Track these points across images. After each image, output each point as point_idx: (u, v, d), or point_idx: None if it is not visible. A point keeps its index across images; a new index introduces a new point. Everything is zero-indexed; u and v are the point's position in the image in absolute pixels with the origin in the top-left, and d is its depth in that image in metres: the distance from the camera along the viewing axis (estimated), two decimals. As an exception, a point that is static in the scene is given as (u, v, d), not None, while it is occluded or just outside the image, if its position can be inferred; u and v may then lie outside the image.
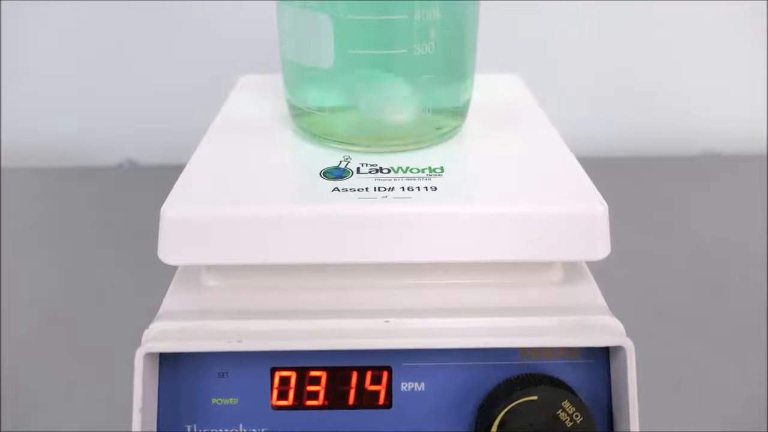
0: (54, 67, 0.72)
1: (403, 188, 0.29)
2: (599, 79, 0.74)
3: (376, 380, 0.28)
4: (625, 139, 0.75)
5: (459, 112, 0.35)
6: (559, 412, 0.26)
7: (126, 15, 0.70)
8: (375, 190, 0.29)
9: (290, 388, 0.28)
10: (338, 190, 0.29)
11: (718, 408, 0.41)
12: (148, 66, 0.72)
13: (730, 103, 0.75)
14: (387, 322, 0.28)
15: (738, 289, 0.51)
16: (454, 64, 0.34)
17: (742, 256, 0.56)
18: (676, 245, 0.57)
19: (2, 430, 0.40)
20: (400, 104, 0.33)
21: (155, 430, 0.27)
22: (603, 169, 0.31)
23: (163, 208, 0.28)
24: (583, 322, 0.28)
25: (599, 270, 0.32)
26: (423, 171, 0.31)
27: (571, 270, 0.31)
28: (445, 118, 0.34)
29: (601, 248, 0.28)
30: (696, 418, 0.40)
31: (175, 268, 0.31)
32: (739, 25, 0.72)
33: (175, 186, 0.30)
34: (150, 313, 0.29)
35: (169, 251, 0.28)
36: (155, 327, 0.28)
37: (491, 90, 0.40)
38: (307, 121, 0.34)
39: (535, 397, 0.26)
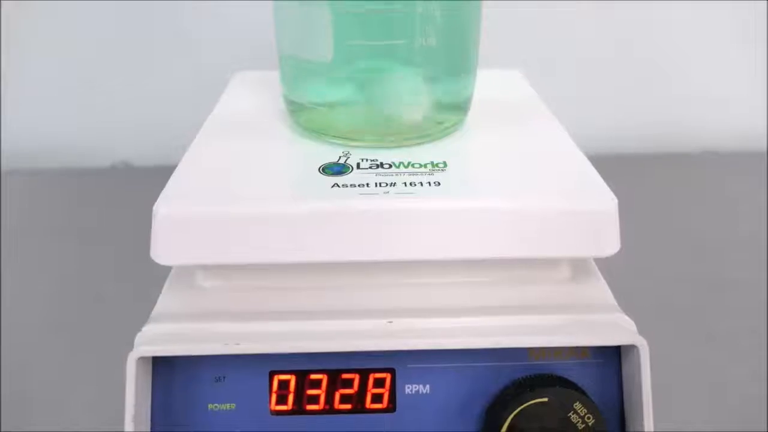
0: (48, 70, 0.72)
1: (405, 183, 0.29)
2: (598, 77, 0.73)
3: (379, 383, 0.27)
4: (624, 137, 0.74)
5: (461, 107, 0.34)
6: (571, 414, 0.25)
7: (120, 18, 0.70)
8: (376, 185, 0.28)
9: (290, 392, 0.27)
10: (338, 185, 0.28)
11: (726, 407, 0.41)
12: (142, 67, 0.72)
13: (730, 101, 0.75)
14: (390, 322, 0.27)
15: (739, 286, 0.51)
16: (456, 57, 0.33)
17: (742, 254, 0.55)
18: (676, 243, 0.57)
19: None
20: (401, 98, 0.32)
21: (149, 437, 0.27)
22: (601, 167, 0.31)
23: (155, 206, 0.27)
24: (594, 320, 0.27)
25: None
26: (425, 166, 0.30)
27: (578, 267, 0.31)
28: (448, 113, 0.34)
29: (610, 244, 0.28)
30: (704, 417, 0.40)
31: (169, 268, 0.31)
32: (739, 25, 0.72)
33: (168, 183, 0.29)
34: (145, 316, 0.28)
35: (162, 251, 0.27)
36: (148, 330, 0.27)
37: (493, 85, 0.39)
38: (305, 116, 0.34)
39: (545, 399, 0.25)
